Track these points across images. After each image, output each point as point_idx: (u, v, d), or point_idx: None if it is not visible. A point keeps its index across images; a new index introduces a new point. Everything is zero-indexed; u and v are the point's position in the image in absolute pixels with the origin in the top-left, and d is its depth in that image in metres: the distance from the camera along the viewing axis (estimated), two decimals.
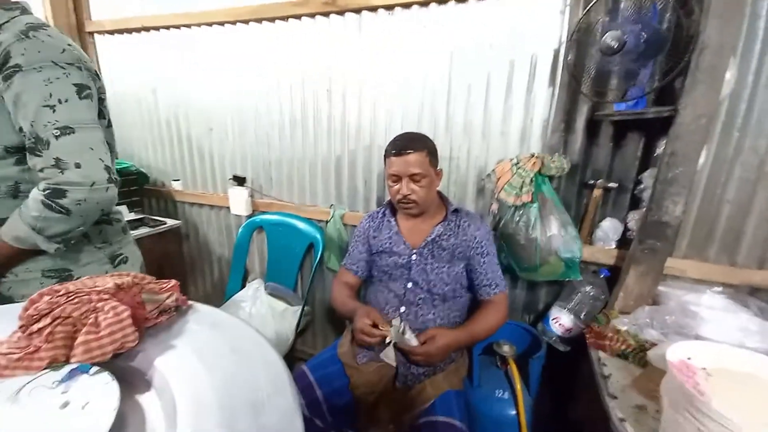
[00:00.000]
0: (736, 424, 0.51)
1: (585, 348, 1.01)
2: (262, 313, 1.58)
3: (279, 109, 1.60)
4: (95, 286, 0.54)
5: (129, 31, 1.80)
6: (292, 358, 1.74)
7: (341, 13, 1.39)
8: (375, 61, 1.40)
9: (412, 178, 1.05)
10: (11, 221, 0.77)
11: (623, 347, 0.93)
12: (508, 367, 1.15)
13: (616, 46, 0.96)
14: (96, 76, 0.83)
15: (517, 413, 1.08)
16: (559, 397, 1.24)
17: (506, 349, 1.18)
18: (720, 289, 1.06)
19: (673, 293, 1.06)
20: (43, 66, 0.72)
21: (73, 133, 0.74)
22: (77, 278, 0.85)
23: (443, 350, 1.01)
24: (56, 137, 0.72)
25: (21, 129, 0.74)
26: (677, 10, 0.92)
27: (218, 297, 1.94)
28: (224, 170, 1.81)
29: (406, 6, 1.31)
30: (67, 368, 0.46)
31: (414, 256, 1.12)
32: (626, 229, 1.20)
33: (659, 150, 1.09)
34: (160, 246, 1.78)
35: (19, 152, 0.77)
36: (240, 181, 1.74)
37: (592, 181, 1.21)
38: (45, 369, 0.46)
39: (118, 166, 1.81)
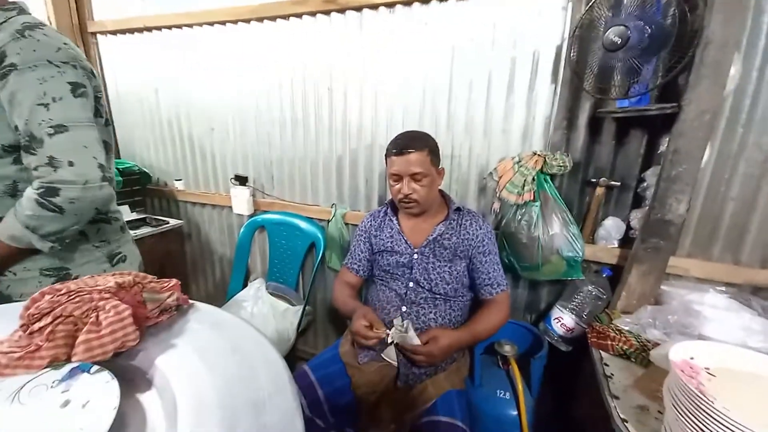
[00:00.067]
0: (740, 425, 0.51)
1: (587, 348, 1.01)
2: (263, 313, 1.58)
3: (280, 108, 1.60)
4: (96, 285, 0.54)
5: (131, 31, 1.80)
6: (293, 357, 1.74)
7: (342, 11, 1.39)
8: (376, 59, 1.39)
9: (413, 177, 1.05)
10: (7, 220, 0.78)
11: (625, 347, 0.93)
12: (510, 367, 1.15)
13: (619, 42, 0.95)
14: (92, 74, 0.83)
15: (519, 413, 1.08)
16: (561, 397, 1.24)
17: (508, 348, 1.18)
18: (723, 288, 1.05)
19: (675, 292, 1.05)
20: (38, 65, 0.72)
21: (67, 131, 0.74)
22: (75, 277, 0.86)
23: (445, 350, 1.01)
24: (50, 135, 0.72)
25: (17, 128, 0.74)
26: (681, 5, 0.91)
27: (220, 296, 1.94)
28: (226, 170, 1.81)
29: (407, 4, 1.30)
30: (67, 367, 0.46)
31: (415, 256, 1.12)
32: (629, 228, 1.19)
33: (662, 147, 1.08)
34: (163, 245, 1.79)
35: (17, 151, 0.77)
36: (242, 180, 1.74)
37: (594, 180, 1.20)
38: (46, 368, 0.46)
39: (121, 166, 1.83)
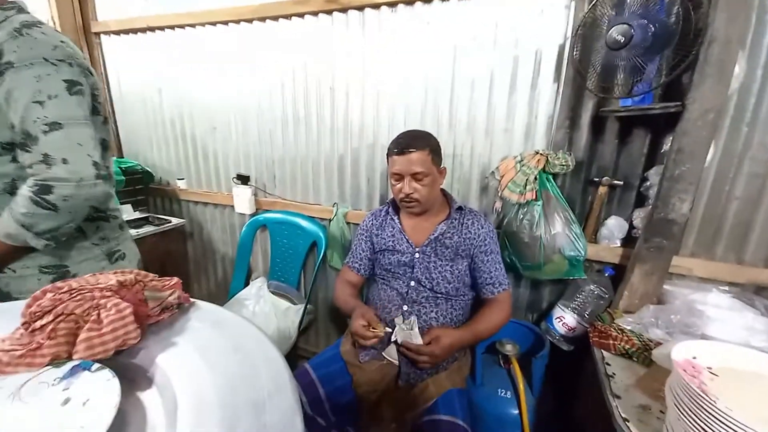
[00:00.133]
0: (742, 424, 0.50)
1: (589, 347, 1.00)
2: (265, 312, 1.59)
3: (282, 107, 1.60)
4: (98, 283, 0.54)
5: (134, 31, 1.81)
6: (294, 356, 1.75)
7: (344, 10, 1.39)
8: (378, 58, 1.39)
9: (415, 176, 1.05)
10: (2, 218, 0.78)
11: (627, 346, 0.92)
12: (511, 366, 1.14)
13: (622, 41, 0.94)
14: (88, 72, 0.83)
15: (520, 412, 1.07)
16: (562, 397, 1.23)
17: (509, 347, 1.18)
18: (726, 287, 1.04)
19: (678, 292, 1.04)
20: (34, 62, 0.72)
21: (62, 128, 0.74)
22: (74, 274, 0.87)
23: (447, 350, 1.01)
24: (45, 133, 0.73)
25: (13, 125, 0.74)
26: (685, 3, 0.90)
27: (222, 295, 1.95)
28: (228, 169, 1.82)
29: (409, 3, 1.30)
30: (69, 365, 0.46)
31: (417, 255, 1.12)
32: (631, 227, 1.18)
33: (666, 146, 1.08)
34: (165, 244, 1.80)
35: (15, 149, 0.78)
36: (244, 179, 1.74)
37: (597, 179, 1.20)
38: (47, 366, 0.46)
39: (124, 165, 1.83)
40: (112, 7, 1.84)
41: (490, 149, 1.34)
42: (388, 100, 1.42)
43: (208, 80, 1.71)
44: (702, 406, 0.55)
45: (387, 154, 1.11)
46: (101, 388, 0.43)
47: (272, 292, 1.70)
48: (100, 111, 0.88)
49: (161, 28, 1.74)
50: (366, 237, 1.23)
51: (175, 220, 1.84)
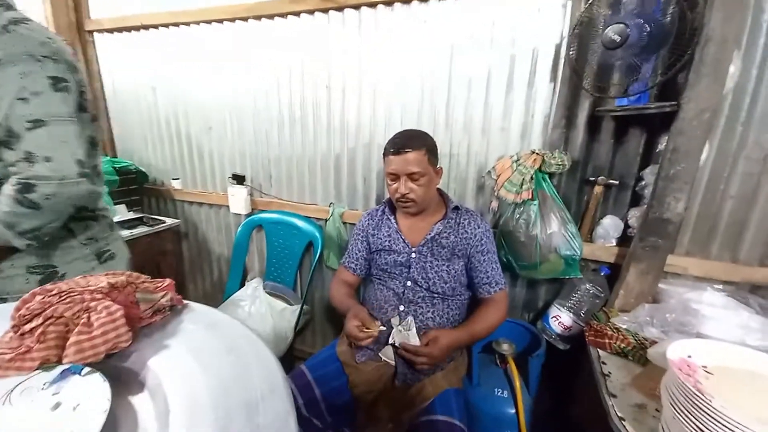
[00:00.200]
0: (737, 423, 0.51)
1: (585, 346, 1.00)
2: (261, 312, 1.58)
3: (278, 106, 1.59)
4: (88, 286, 0.53)
5: (128, 29, 1.79)
6: (291, 357, 1.74)
7: (340, 9, 1.38)
8: (374, 57, 1.39)
9: (411, 177, 1.04)
10: None
11: (623, 345, 0.93)
12: (508, 366, 1.14)
13: (618, 40, 0.95)
14: (75, 68, 0.82)
15: (517, 412, 1.08)
16: (559, 396, 1.24)
17: (506, 347, 1.18)
18: (721, 286, 1.05)
19: (674, 291, 1.05)
20: (20, 59, 0.71)
21: (45, 126, 0.73)
22: (63, 274, 0.86)
23: (445, 351, 1.00)
24: (28, 130, 0.71)
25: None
26: (681, 3, 0.90)
27: (217, 296, 1.94)
28: (223, 169, 1.81)
29: (406, 2, 1.29)
30: (58, 369, 0.46)
31: (413, 255, 1.11)
32: (627, 227, 1.19)
33: (661, 146, 1.08)
34: (159, 245, 1.78)
35: (1, 147, 0.76)
36: (239, 179, 1.73)
37: (592, 178, 1.20)
38: (37, 370, 0.46)
39: (118, 165, 1.82)
40: (106, 5, 1.82)
41: (487, 149, 1.33)
42: (384, 99, 1.42)
43: (203, 79, 1.69)
44: (697, 405, 0.55)
45: (383, 154, 1.10)
46: (91, 393, 0.42)
47: (268, 293, 1.69)
48: (87, 108, 0.87)
49: (155, 27, 1.72)
50: (362, 237, 1.23)
51: (169, 221, 1.82)
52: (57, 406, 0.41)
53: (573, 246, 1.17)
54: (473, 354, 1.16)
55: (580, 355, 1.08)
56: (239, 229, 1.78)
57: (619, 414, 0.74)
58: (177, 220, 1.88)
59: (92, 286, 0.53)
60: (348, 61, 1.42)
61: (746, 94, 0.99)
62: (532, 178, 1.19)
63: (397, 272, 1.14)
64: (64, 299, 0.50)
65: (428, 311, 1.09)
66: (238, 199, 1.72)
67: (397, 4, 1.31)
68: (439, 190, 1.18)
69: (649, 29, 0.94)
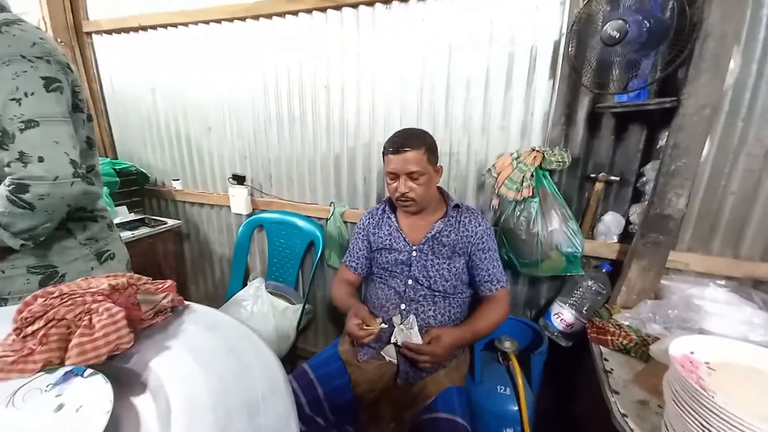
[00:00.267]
0: (740, 419, 0.50)
1: (587, 343, 1.00)
2: (263, 312, 1.58)
3: (277, 106, 1.59)
4: (89, 288, 0.54)
5: (126, 30, 1.79)
6: (294, 356, 1.75)
7: (338, 8, 1.38)
8: (372, 56, 1.38)
9: (410, 176, 1.04)
10: None
11: (625, 342, 0.93)
12: (510, 363, 1.14)
13: (617, 36, 0.94)
14: (68, 68, 0.82)
15: (519, 408, 1.08)
16: (561, 393, 1.24)
17: (508, 344, 1.18)
18: (723, 282, 1.04)
19: (676, 287, 1.05)
20: (12, 60, 0.71)
21: (38, 126, 0.73)
22: (63, 274, 0.86)
23: (448, 350, 1.01)
24: (21, 131, 0.72)
25: None
26: None
27: (220, 296, 1.94)
28: (224, 169, 1.81)
29: (403, 0, 1.29)
30: (61, 371, 0.46)
31: (414, 253, 1.11)
32: (628, 223, 1.18)
33: (662, 142, 1.08)
34: (161, 246, 1.79)
35: None
36: (239, 179, 1.73)
37: (593, 175, 1.20)
38: (39, 372, 0.46)
39: (118, 166, 1.82)
40: (104, 7, 1.82)
41: (487, 147, 1.33)
42: (383, 98, 1.41)
43: (201, 79, 1.69)
44: (700, 402, 0.55)
45: (382, 153, 1.10)
46: (94, 394, 0.43)
47: (270, 293, 1.69)
48: (82, 108, 0.87)
49: (154, 27, 1.72)
50: (363, 236, 1.23)
51: (171, 222, 1.82)
52: (60, 407, 0.41)
53: (574, 243, 1.17)
54: (475, 351, 1.16)
55: (582, 352, 1.08)
56: (240, 229, 1.78)
57: (621, 411, 0.74)
58: (178, 221, 1.88)
59: (93, 288, 0.53)
60: (346, 60, 1.42)
61: (746, 89, 0.99)
62: (532, 175, 1.19)
63: (398, 271, 1.14)
64: (66, 301, 0.50)
65: (429, 309, 1.09)
66: (238, 200, 1.73)
67: (395, 3, 1.30)
68: (439, 188, 1.18)
69: (648, 25, 0.93)
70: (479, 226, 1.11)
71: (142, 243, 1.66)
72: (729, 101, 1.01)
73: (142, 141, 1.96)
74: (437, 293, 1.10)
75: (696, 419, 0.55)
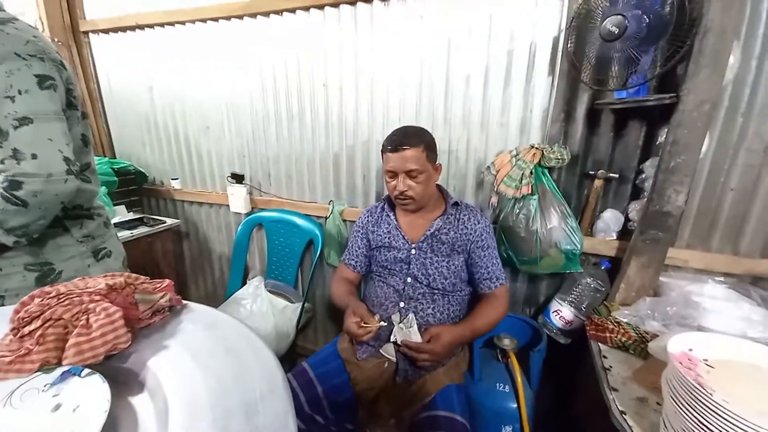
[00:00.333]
0: (738, 416, 0.50)
1: (586, 340, 1.00)
2: (263, 311, 1.58)
3: (275, 105, 1.59)
4: (86, 287, 0.53)
5: (123, 29, 1.78)
6: (293, 354, 1.75)
7: (336, 5, 1.37)
8: (371, 53, 1.38)
9: (409, 174, 1.04)
10: None
11: (624, 339, 0.92)
12: (509, 361, 1.15)
13: (616, 32, 0.94)
14: (62, 66, 0.82)
15: (518, 406, 1.08)
16: (560, 390, 1.24)
17: (507, 342, 1.18)
18: (722, 278, 1.04)
19: (675, 284, 1.05)
20: (6, 58, 0.72)
21: (32, 123, 0.73)
22: (59, 271, 0.87)
23: (448, 348, 1.01)
24: (15, 128, 0.72)
25: None
26: None
27: (219, 295, 1.95)
28: (222, 168, 1.80)
29: None
30: (58, 371, 0.46)
31: (413, 251, 1.11)
32: (627, 220, 1.18)
33: (661, 138, 1.07)
34: (160, 245, 1.78)
35: None
36: (238, 178, 1.73)
37: (592, 172, 1.19)
38: (37, 372, 0.46)
39: (116, 166, 1.81)
40: (101, 6, 1.81)
41: (486, 144, 1.33)
42: (382, 96, 1.41)
43: (199, 78, 1.69)
44: (698, 399, 0.55)
45: (381, 151, 1.10)
46: (91, 394, 0.43)
47: (269, 291, 1.69)
48: (76, 105, 0.87)
49: (151, 26, 1.71)
50: (362, 234, 1.23)
51: (170, 221, 1.82)
52: (57, 407, 0.42)
53: (573, 240, 1.17)
54: (474, 349, 1.16)
55: (581, 350, 1.08)
56: (239, 228, 1.78)
57: (620, 408, 0.74)
58: (177, 220, 1.88)
59: (91, 287, 0.53)
60: (344, 57, 1.41)
61: (746, 85, 0.98)
62: (531, 172, 1.18)
63: (397, 269, 1.14)
64: (63, 301, 0.50)
65: (428, 307, 1.09)
66: (237, 198, 1.72)
67: (393, 0, 1.30)
68: (438, 186, 1.18)
69: (647, 20, 0.93)
70: (478, 223, 1.11)
71: (141, 242, 1.66)
72: (728, 97, 1.00)
73: (140, 140, 1.96)
74: (436, 291, 1.10)
75: (694, 416, 0.55)
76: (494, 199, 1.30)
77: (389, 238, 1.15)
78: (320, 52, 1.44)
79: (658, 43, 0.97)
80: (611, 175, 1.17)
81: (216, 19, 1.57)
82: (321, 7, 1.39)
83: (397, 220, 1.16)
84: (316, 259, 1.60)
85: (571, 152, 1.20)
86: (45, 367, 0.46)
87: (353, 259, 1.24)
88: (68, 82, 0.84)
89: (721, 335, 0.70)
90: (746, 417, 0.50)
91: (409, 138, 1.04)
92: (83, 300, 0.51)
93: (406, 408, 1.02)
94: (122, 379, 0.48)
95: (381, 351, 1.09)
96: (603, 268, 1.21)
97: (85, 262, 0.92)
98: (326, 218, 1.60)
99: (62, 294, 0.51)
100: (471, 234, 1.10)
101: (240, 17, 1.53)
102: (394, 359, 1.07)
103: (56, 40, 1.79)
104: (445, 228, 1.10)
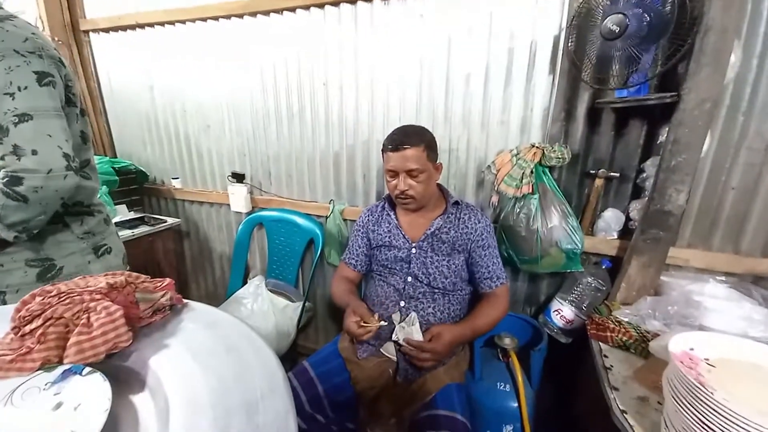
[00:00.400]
0: (739, 416, 0.50)
1: (587, 339, 1.00)
2: (263, 310, 1.58)
3: (275, 104, 1.59)
4: (87, 286, 0.53)
5: (123, 28, 1.78)
6: (294, 353, 1.75)
7: (336, 4, 1.37)
8: (371, 52, 1.38)
9: (410, 173, 1.04)
10: None
11: (625, 338, 0.92)
12: (510, 360, 1.15)
13: (617, 31, 0.93)
14: (60, 63, 0.83)
15: (519, 405, 1.08)
16: (561, 389, 1.24)
17: (508, 341, 1.18)
18: (723, 278, 1.04)
19: (675, 283, 1.04)
20: (5, 55, 0.72)
21: (31, 120, 0.74)
22: (60, 267, 0.88)
23: (449, 347, 1.01)
24: (15, 124, 0.72)
25: None
26: None
27: (220, 294, 1.95)
28: (223, 167, 1.80)
29: None
30: (59, 369, 0.46)
31: (414, 250, 1.11)
32: (628, 219, 1.18)
33: (662, 137, 1.07)
34: (161, 244, 1.79)
35: None
36: (239, 177, 1.73)
37: (593, 171, 1.19)
38: (38, 370, 0.46)
39: (117, 165, 1.81)
40: (101, 5, 1.80)
41: (486, 143, 1.33)
42: (382, 95, 1.41)
43: (199, 77, 1.69)
44: (699, 398, 0.55)
45: (382, 151, 1.10)
46: (92, 392, 0.43)
47: (270, 290, 1.69)
48: (75, 102, 0.87)
49: (151, 25, 1.71)
50: (362, 233, 1.23)
51: (170, 220, 1.82)
52: (58, 406, 0.42)
53: (574, 239, 1.17)
54: (475, 348, 1.16)
55: (582, 349, 1.08)
56: (240, 227, 1.78)
57: (621, 407, 0.74)
58: (178, 220, 1.88)
59: (91, 286, 0.53)
60: (345, 56, 1.41)
61: (747, 84, 0.98)
62: (532, 171, 1.18)
63: (397, 268, 1.14)
64: (64, 300, 0.50)
65: (429, 307, 1.09)
66: (238, 198, 1.72)
67: None
68: (438, 185, 1.18)
69: (648, 19, 0.93)
70: (479, 223, 1.11)
71: (142, 241, 1.66)
72: (730, 95, 1.00)
73: (141, 139, 1.96)
74: (437, 290, 1.10)
75: (695, 415, 0.55)
76: (495, 199, 1.30)
77: (390, 237, 1.15)
78: (320, 50, 1.44)
79: (659, 42, 0.96)
80: (612, 174, 1.17)
81: (216, 18, 1.57)
82: (321, 5, 1.39)
83: (397, 220, 1.16)
84: (316, 259, 1.60)
85: (572, 151, 1.20)
86: (46, 365, 0.46)
87: (354, 259, 1.24)
88: (67, 79, 0.84)
89: (722, 334, 0.70)
90: (747, 416, 0.50)
91: (410, 137, 1.04)
92: (84, 299, 0.51)
93: (406, 407, 1.02)
94: (123, 377, 0.48)
95: (382, 350, 1.09)
96: (604, 267, 1.21)
97: (86, 259, 0.93)
98: (327, 217, 1.60)
99: (63, 293, 0.51)
100: (471, 233, 1.10)
101: (240, 16, 1.53)
102: (394, 358, 1.07)
103: (56, 39, 1.79)
104: (445, 227, 1.10)
